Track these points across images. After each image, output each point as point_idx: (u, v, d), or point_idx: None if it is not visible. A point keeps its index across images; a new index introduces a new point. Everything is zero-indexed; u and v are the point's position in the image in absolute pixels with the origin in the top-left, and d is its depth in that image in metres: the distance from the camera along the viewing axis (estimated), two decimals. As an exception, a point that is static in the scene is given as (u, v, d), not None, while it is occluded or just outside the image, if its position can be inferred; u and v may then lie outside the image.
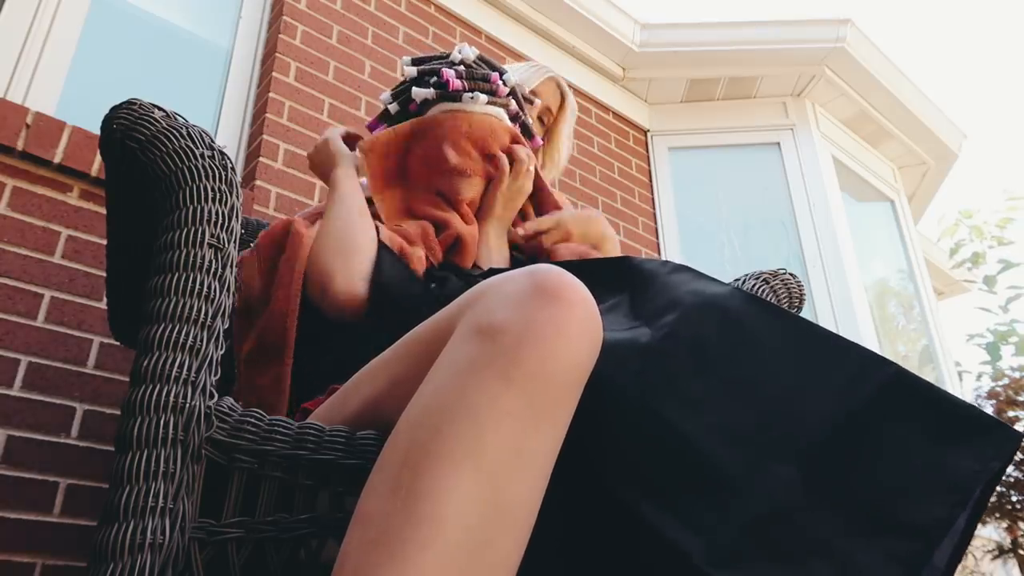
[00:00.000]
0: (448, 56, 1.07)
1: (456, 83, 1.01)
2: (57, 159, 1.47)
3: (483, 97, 1.02)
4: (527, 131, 1.13)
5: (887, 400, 0.53)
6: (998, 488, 3.14)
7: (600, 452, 0.57)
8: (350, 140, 1.12)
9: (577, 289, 0.57)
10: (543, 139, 1.29)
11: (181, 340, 0.61)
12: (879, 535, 0.48)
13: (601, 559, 0.58)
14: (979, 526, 0.59)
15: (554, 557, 0.56)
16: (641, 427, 0.57)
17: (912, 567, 0.46)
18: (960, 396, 0.53)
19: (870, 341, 2.74)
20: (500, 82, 1.06)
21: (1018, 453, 3.12)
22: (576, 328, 0.55)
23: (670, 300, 0.65)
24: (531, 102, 1.14)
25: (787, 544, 0.49)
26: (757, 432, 0.54)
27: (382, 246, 0.92)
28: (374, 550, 0.47)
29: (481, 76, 1.04)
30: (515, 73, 1.51)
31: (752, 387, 0.57)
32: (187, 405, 0.58)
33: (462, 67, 1.04)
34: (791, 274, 1.13)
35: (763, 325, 0.60)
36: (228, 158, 0.71)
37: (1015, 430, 0.50)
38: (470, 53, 1.06)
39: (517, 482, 0.50)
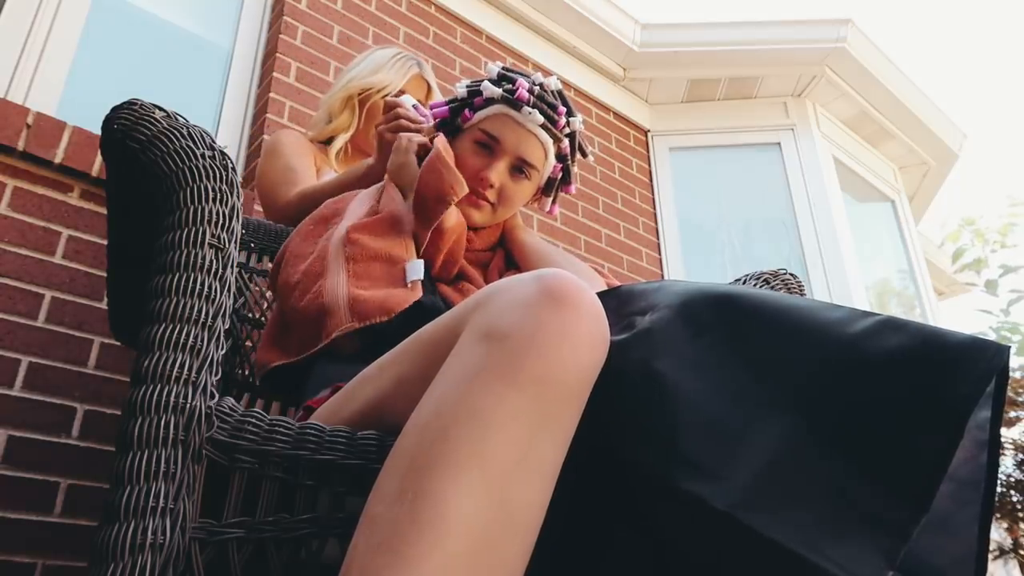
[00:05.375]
0: (532, 76, 1.11)
1: (524, 94, 1.05)
2: (58, 159, 1.47)
3: (540, 118, 1.05)
4: (567, 176, 1.16)
5: (875, 344, 0.54)
6: (998, 488, 3.13)
7: (602, 414, 0.57)
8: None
9: (585, 294, 0.57)
10: None
11: (182, 340, 0.60)
12: (883, 476, 0.48)
13: (611, 520, 0.58)
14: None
15: (563, 522, 0.56)
16: (643, 387, 0.57)
17: (918, 504, 0.46)
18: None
19: (871, 341, 2.74)
20: (564, 118, 1.09)
21: (1020, 453, 3.12)
22: (583, 333, 0.55)
23: (661, 297, 0.66)
24: (584, 155, 1.16)
25: (801, 487, 0.49)
26: (755, 387, 0.55)
27: None
28: (380, 552, 0.47)
29: (549, 103, 1.08)
30: (372, 63, 1.55)
31: (746, 346, 0.58)
32: (188, 405, 0.58)
33: (538, 88, 1.08)
34: (791, 274, 1.13)
35: (753, 295, 0.62)
36: (229, 158, 0.71)
37: (1001, 345, 0.50)
38: (553, 83, 1.10)
39: (523, 486, 0.51)
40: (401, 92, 1.53)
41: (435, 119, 1.13)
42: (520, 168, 1.08)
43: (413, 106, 1.26)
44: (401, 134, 1.12)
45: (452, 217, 1.02)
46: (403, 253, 0.97)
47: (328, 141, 1.56)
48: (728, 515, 0.49)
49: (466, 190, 0.99)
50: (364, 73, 1.53)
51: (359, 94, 1.52)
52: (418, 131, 1.21)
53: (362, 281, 0.92)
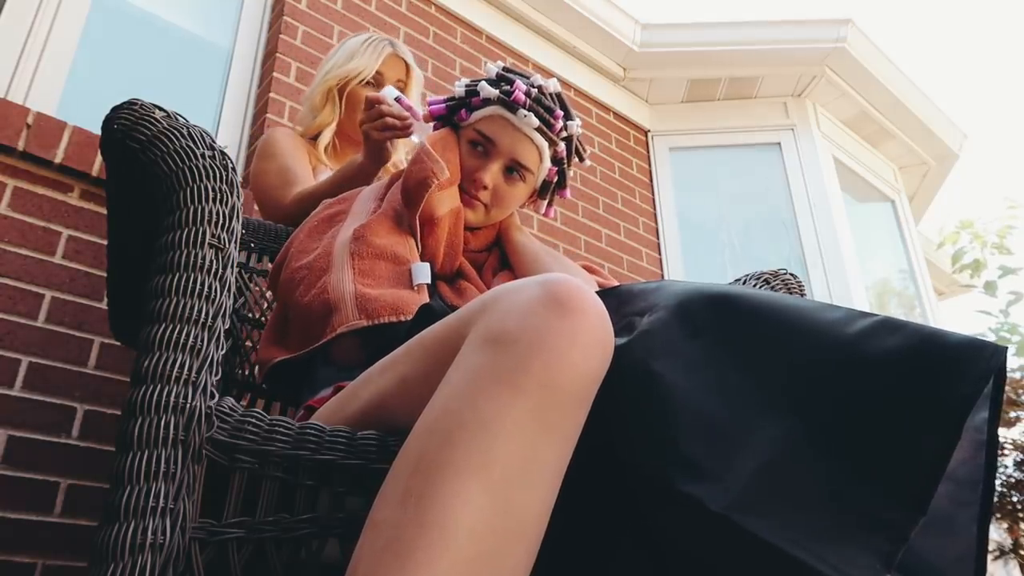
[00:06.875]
0: (531, 77, 1.10)
1: (520, 96, 1.05)
2: (58, 159, 1.47)
3: (535, 121, 1.05)
4: (562, 180, 1.16)
5: (873, 345, 0.53)
6: (998, 488, 3.13)
7: (602, 415, 0.57)
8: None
9: (589, 299, 0.57)
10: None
11: (182, 340, 0.61)
12: (880, 477, 0.48)
13: (612, 522, 0.58)
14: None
15: (564, 525, 0.56)
16: (641, 388, 0.57)
17: (916, 505, 0.47)
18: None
19: (871, 341, 2.74)
20: (561, 122, 1.08)
21: (1020, 453, 3.12)
22: (588, 338, 0.55)
23: (660, 297, 0.66)
24: (581, 159, 1.16)
25: (798, 489, 0.49)
26: (753, 388, 0.55)
27: None
28: (384, 557, 0.47)
29: (546, 107, 1.07)
30: (345, 51, 1.54)
31: (743, 347, 0.57)
32: (188, 405, 0.58)
33: (535, 90, 1.07)
34: (791, 274, 1.13)
35: (751, 296, 0.61)
36: (229, 158, 0.71)
37: (999, 345, 0.50)
38: (552, 85, 1.10)
39: (527, 492, 0.50)
40: (379, 75, 1.54)
41: (432, 116, 1.14)
42: (514, 170, 1.08)
43: (396, 99, 1.25)
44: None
45: (444, 205, 1.02)
46: (407, 253, 0.97)
47: (316, 136, 1.56)
48: (724, 517, 0.49)
49: (447, 174, 1.00)
50: (339, 63, 1.54)
51: (337, 85, 1.53)
52: (404, 126, 1.22)
53: (367, 279, 0.92)
